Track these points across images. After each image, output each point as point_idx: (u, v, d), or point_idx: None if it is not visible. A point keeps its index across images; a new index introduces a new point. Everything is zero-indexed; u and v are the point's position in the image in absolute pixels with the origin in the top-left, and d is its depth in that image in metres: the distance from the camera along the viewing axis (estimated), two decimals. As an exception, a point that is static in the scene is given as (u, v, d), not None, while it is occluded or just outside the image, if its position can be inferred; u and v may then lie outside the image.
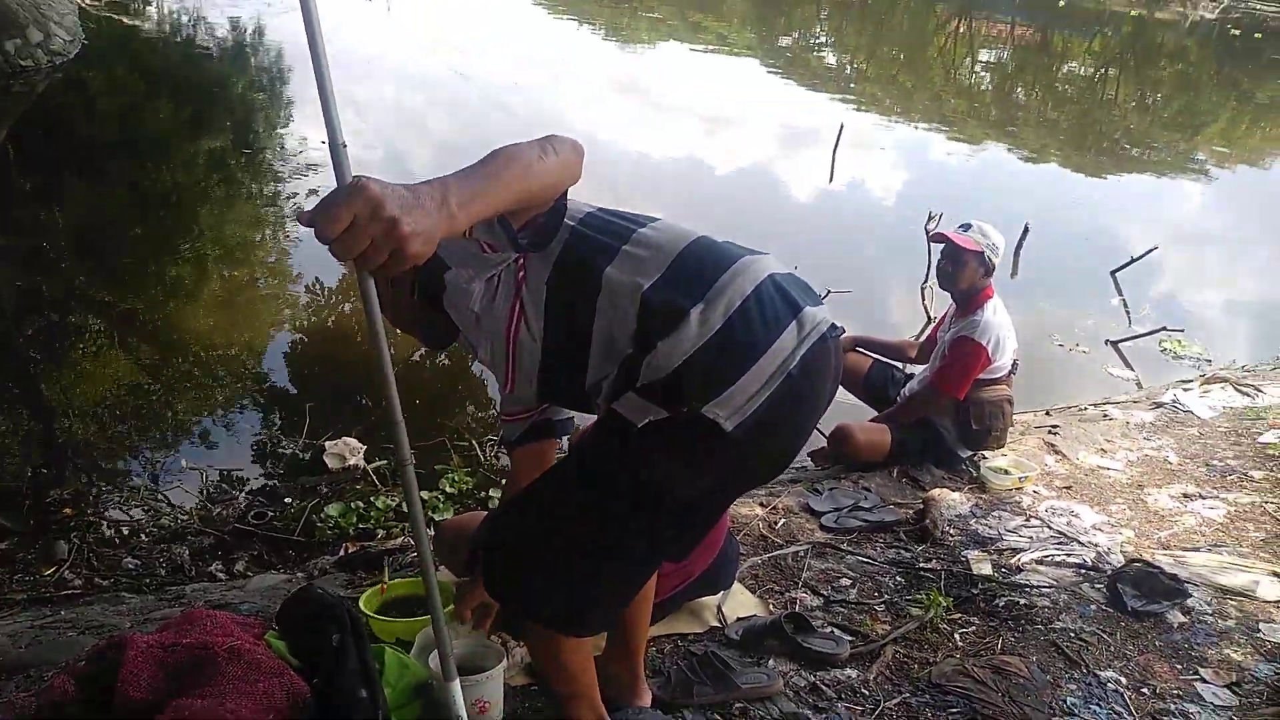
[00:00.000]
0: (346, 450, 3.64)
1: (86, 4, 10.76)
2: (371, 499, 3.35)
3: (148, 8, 12.56)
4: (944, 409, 3.54)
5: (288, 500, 3.40)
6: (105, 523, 3.14)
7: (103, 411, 4.06)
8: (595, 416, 1.64)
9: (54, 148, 7.39)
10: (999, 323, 3.44)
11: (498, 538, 1.68)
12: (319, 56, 1.12)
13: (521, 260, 1.56)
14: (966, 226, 3.50)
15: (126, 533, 3.10)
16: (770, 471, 1.74)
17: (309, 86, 9.97)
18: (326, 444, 3.67)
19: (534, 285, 1.55)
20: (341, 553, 2.95)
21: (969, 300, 3.50)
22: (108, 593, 2.71)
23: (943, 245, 3.53)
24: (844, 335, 3.98)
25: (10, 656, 2.20)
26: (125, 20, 11.20)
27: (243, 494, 3.51)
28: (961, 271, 3.46)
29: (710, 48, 15.25)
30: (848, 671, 2.35)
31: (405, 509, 3.30)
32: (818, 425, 1.73)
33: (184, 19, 12.42)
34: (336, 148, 1.13)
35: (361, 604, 2.24)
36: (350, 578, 2.71)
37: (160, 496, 3.39)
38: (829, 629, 2.51)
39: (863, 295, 5.80)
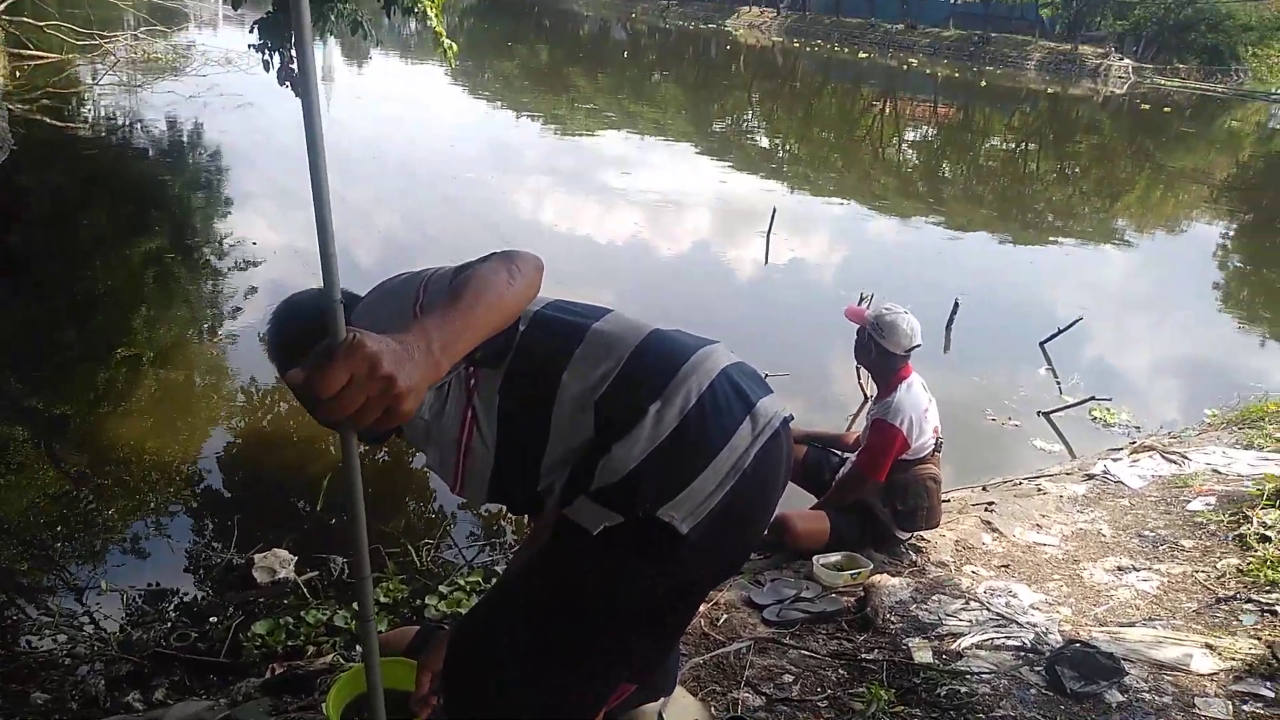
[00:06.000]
0: (276, 563, 3.53)
1: (16, 108, 10.71)
2: (302, 614, 3.24)
3: (82, 109, 12.53)
4: (873, 492, 3.56)
5: (213, 619, 3.28)
6: (12, 655, 2.99)
7: (13, 531, 3.90)
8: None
9: (-20, 256, 7.25)
10: (913, 403, 3.48)
11: (459, 658, 1.63)
12: (323, 210, 1.03)
13: (472, 369, 1.54)
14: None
15: (36, 664, 2.95)
16: (730, 569, 1.73)
17: (247, 182, 10.05)
18: (255, 557, 3.56)
19: (486, 394, 1.54)
20: (268, 674, 2.84)
21: (886, 380, 3.57)
22: (14, 732, 2.57)
23: None
24: (797, 433, 4.01)
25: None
26: (58, 123, 11.14)
27: (165, 614, 3.37)
28: (858, 345, 3.59)
29: (647, 136, 15.63)
30: (790, 776, 2.30)
31: (338, 624, 3.21)
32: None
33: (120, 120, 12.40)
34: (334, 304, 1.05)
35: (330, 708, 2.10)
36: (276, 703, 2.60)
37: (75, 623, 3.25)
38: (770, 731, 2.46)
39: (801, 375, 5.87)
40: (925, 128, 20.81)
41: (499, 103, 17.90)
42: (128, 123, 12.26)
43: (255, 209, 9.19)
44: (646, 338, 1.56)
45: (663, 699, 2.52)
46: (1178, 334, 8.42)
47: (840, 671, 2.80)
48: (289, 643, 3.10)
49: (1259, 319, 8.97)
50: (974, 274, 9.09)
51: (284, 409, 5.22)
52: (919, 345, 3.55)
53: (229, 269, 7.43)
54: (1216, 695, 2.69)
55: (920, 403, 3.52)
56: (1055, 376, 6.40)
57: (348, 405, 1.01)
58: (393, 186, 10.47)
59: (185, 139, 11.88)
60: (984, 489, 4.43)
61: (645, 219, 10.07)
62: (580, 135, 15.31)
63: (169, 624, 3.29)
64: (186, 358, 5.91)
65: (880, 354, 3.53)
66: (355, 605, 1.26)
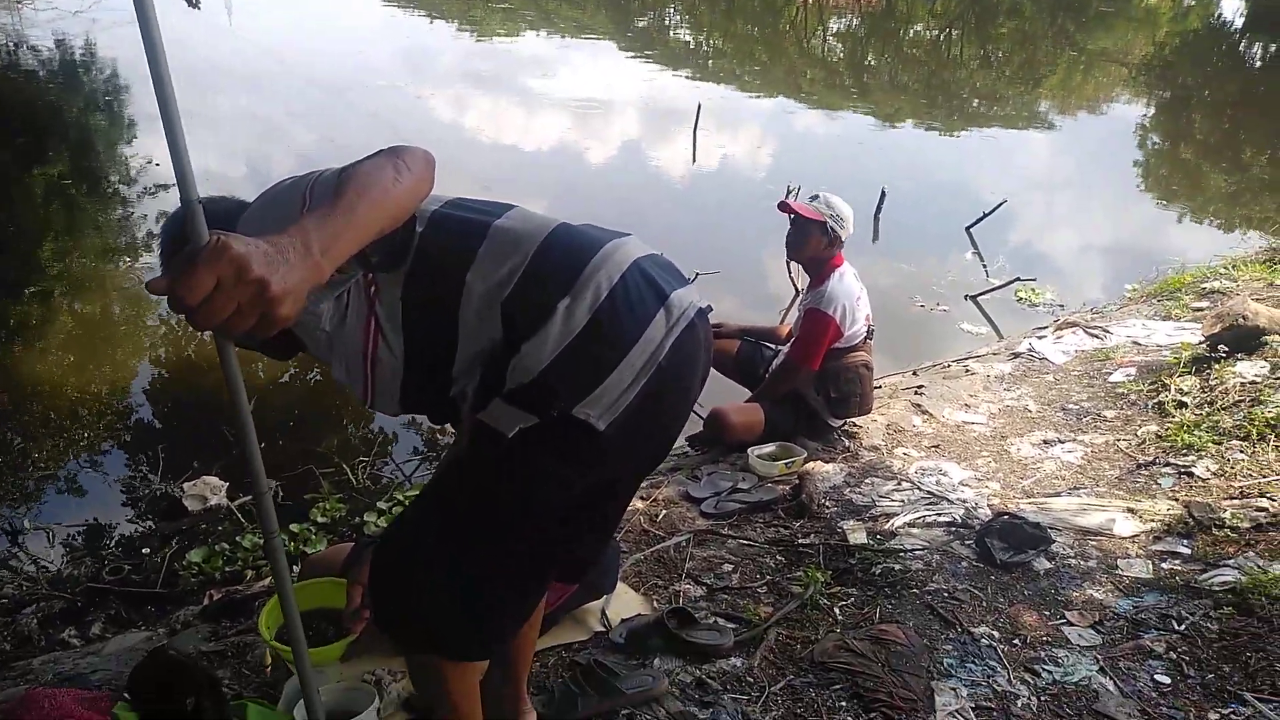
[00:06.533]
0: (207, 489, 3.46)
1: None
2: (237, 538, 3.19)
3: (-40, 30, 11.70)
4: (806, 381, 3.59)
5: (146, 551, 3.22)
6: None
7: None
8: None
9: None
10: (845, 291, 3.50)
11: (383, 568, 1.59)
12: (170, 111, 1.03)
13: (371, 275, 1.47)
14: (814, 197, 3.56)
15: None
16: (651, 463, 1.71)
17: (147, 103, 9.51)
18: (185, 486, 3.49)
19: (388, 301, 1.47)
20: (206, 601, 2.80)
21: (818, 270, 3.56)
22: (-57, 678, 2.50)
23: (790, 216, 3.59)
24: (731, 328, 3.97)
25: None
26: (-66, 46, 10.40)
27: (97, 549, 3.29)
28: (806, 240, 3.54)
29: (568, 35, 15.15)
30: (733, 661, 2.35)
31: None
32: (695, 408, 1.71)
33: (2, 40, 11.61)
34: (191, 204, 1.00)
35: (262, 626, 2.11)
36: (215, 628, 2.57)
37: None
38: (712, 619, 2.51)
39: (732, 273, 5.85)
40: (849, 16, 20.51)
41: (409, 6, 17.12)
42: (11, 44, 11.47)
43: (159, 130, 8.75)
44: (553, 232, 1.49)
45: (605, 597, 2.55)
46: (1099, 213, 8.56)
47: (778, 558, 2.86)
48: (226, 568, 3.06)
49: (1176, 195, 9.16)
50: (900, 164, 9.08)
51: (205, 335, 5.05)
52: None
53: (138, 195, 7.10)
54: (1138, 555, 2.81)
55: (853, 291, 3.53)
56: (981, 260, 6.48)
57: (218, 312, 0.95)
58: (301, 99, 10.02)
59: (77, 58, 11.17)
60: (914, 373, 4.50)
61: (571, 122, 9.83)
62: (497, 38, 14.76)
63: (101, 559, 3.22)
64: (100, 288, 5.67)
65: (834, 243, 3.52)
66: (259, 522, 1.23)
